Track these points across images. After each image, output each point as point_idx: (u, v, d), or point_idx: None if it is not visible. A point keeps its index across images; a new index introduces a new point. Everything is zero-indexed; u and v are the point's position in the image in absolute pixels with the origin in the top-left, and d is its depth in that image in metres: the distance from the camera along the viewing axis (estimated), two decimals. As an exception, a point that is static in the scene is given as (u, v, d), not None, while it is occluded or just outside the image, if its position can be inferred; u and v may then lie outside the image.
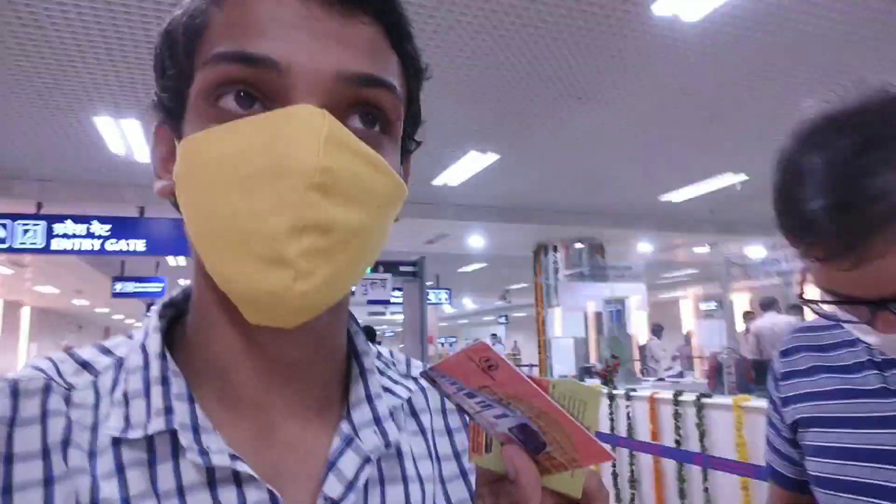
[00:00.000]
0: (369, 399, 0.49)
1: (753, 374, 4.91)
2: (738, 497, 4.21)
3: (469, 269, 13.25)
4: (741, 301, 11.56)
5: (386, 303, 7.28)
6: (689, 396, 4.86)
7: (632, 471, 5.42)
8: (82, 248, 6.25)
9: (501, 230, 8.81)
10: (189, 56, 0.43)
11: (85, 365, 0.45)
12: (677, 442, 4.87)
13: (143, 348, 0.45)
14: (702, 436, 4.63)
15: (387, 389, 0.51)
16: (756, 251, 7.75)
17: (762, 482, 3.89)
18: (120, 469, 0.40)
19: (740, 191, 7.16)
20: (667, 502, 5.04)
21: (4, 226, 6.01)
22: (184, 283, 0.52)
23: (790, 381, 0.89)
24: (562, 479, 0.39)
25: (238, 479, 0.41)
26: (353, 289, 0.51)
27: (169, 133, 0.46)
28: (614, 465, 5.58)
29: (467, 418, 0.42)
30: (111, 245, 6.28)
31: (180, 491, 0.40)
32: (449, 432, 0.55)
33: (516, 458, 0.38)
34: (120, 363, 0.46)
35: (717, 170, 6.81)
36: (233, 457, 0.41)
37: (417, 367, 0.58)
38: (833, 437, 0.81)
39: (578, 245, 9.20)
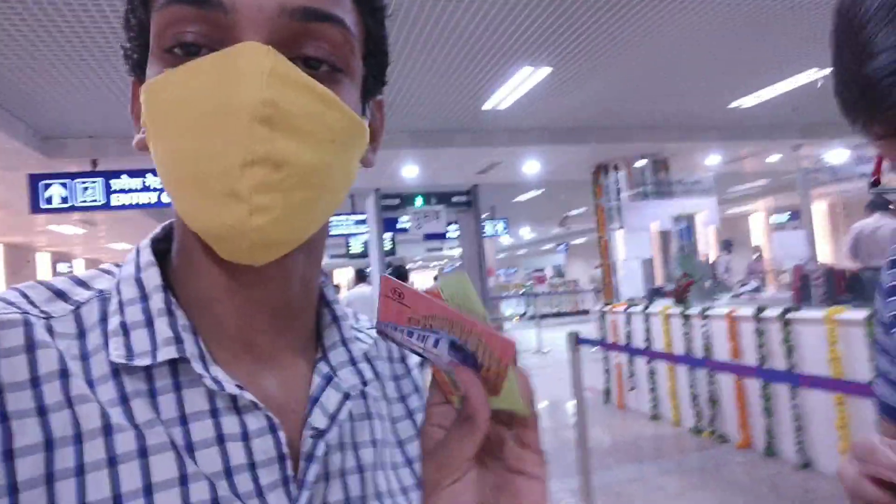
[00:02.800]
0: (344, 342, 0.52)
1: (845, 286, 4.54)
2: (833, 414, 3.94)
3: (525, 197, 12.95)
4: (820, 210, 10.87)
5: (442, 237, 7.14)
6: (773, 312, 4.54)
7: (710, 390, 5.20)
8: (140, 203, 6.34)
9: (557, 153, 8.43)
10: (146, 6, 0.44)
11: (59, 294, 0.45)
12: (762, 359, 4.60)
13: (139, 281, 0.47)
14: (789, 352, 4.33)
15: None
16: (838, 154, 7.11)
17: (858, 399, 3.62)
18: (124, 399, 0.42)
19: (820, 87, 6.50)
20: (751, 421, 4.82)
21: (65, 185, 6.12)
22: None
23: None
24: (505, 398, 0.42)
25: (237, 408, 0.44)
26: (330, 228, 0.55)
27: (139, 86, 0.47)
28: (692, 386, 5.37)
29: (430, 369, 0.46)
30: (167, 197, 6.35)
31: (183, 419, 0.42)
32: (395, 378, 0.59)
33: (465, 376, 0.41)
34: (101, 295, 0.46)
35: (798, 67, 6.17)
36: (238, 386, 0.43)
37: (364, 319, 0.62)
38: None
39: (641, 162, 8.71)
